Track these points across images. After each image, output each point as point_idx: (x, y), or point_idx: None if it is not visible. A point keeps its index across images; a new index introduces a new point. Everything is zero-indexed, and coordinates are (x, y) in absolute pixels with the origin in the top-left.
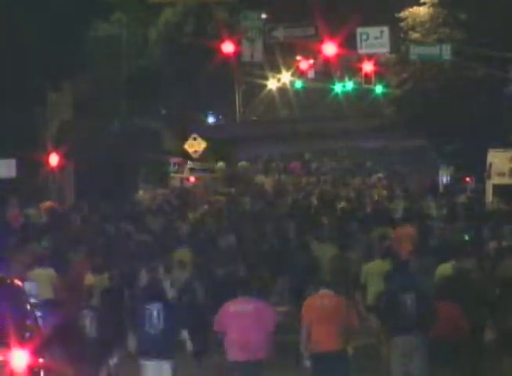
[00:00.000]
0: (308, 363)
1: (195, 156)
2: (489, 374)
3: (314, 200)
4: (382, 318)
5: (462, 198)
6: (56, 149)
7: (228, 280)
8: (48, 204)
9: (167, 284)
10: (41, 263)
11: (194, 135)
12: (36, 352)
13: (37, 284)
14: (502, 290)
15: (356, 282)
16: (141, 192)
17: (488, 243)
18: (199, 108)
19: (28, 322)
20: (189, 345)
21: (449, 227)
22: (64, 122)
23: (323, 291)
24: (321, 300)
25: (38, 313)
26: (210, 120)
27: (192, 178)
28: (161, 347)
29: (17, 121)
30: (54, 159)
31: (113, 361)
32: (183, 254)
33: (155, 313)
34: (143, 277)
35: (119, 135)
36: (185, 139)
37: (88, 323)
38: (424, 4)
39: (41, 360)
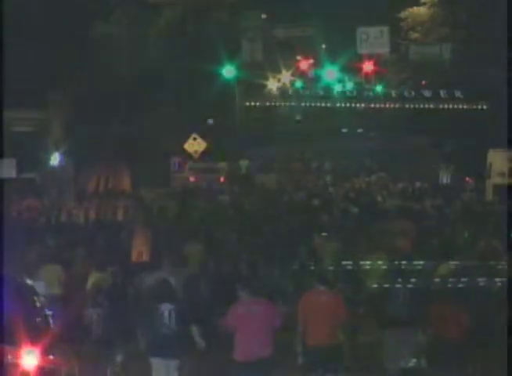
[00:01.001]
0: (300, 360)
1: (195, 156)
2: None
3: (314, 199)
4: (375, 314)
5: (461, 198)
6: (56, 149)
7: (230, 279)
8: (30, 201)
9: (173, 282)
10: (49, 260)
11: (194, 135)
12: (46, 351)
13: (45, 284)
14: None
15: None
16: (141, 192)
17: (487, 242)
18: (199, 108)
19: (38, 320)
20: (202, 343)
21: (449, 227)
22: (64, 122)
23: (318, 288)
24: (316, 297)
25: (49, 312)
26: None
27: (192, 178)
28: (172, 346)
29: (18, 121)
30: (54, 159)
31: (119, 358)
32: (194, 249)
33: (166, 314)
34: (146, 277)
35: (119, 135)
36: (186, 139)
37: (95, 321)
38: (424, 4)
39: (51, 358)
